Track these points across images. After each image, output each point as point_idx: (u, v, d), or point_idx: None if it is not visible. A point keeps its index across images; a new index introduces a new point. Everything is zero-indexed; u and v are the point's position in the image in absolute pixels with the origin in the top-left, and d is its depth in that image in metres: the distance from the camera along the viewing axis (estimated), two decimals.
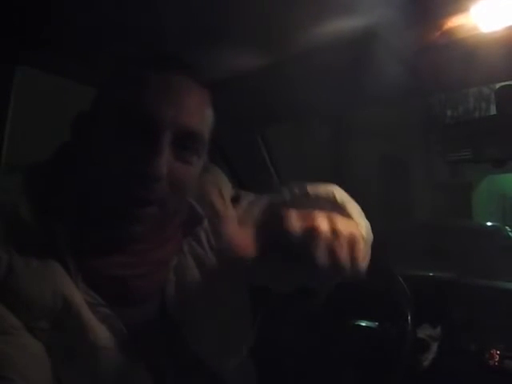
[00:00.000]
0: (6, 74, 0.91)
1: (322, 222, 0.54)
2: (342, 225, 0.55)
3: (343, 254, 0.53)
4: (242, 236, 0.62)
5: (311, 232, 0.53)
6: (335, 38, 0.85)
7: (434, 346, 0.99)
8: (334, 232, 0.54)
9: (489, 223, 4.54)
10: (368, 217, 0.74)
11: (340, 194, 0.73)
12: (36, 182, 0.69)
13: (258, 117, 1.30)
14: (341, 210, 0.67)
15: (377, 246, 0.74)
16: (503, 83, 1.19)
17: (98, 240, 0.68)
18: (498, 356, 1.13)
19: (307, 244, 0.53)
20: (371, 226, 0.76)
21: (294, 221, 0.53)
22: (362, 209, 0.97)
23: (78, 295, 0.64)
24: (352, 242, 0.54)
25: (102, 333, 0.65)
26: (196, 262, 0.77)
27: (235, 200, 0.86)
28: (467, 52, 0.87)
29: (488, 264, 2.39)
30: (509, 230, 3.90)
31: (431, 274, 1.10)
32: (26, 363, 0.60)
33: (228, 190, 0.86)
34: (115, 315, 0.67)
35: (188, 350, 0.73)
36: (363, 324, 1.09)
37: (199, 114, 0.69)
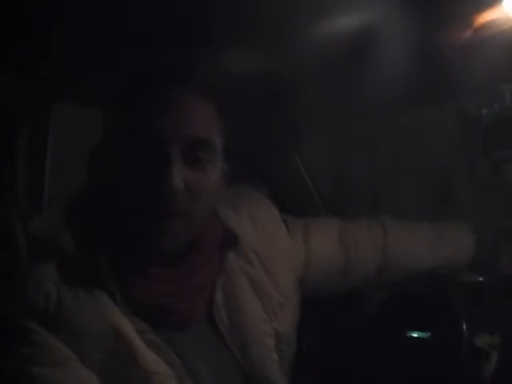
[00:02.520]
0: (44, 111, 0.94)
1: None
2: None
3: None
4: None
5: None
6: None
7: (495, 356, 0.93)
8: None
9: None
10: None
11: None
12: (76, 214, 0.72)
13: (292, 135, 1.29)
14: None
15: None
16: None
17: (137, 265, 0.68)
18: None
19: None
20: None
21: None
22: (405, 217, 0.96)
23: (125, 323, 0.65)
24: None
25: (152, 359, 0.65)
26: (248, 280, 0.78)
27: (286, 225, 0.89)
28: (502, 46, 0.84)
29: None
30: None
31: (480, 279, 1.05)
32: None
33: (276, 214, 0.89)
34: (163, 340, 0.67)
35: (240, 370, 0.73)
36: (414, 335, 1.05)
37: (204, 122, 0.69)
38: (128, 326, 0.65)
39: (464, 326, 0.96)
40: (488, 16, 0.78)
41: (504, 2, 0.75)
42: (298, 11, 0.75)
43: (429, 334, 1.02)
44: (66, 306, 0.63)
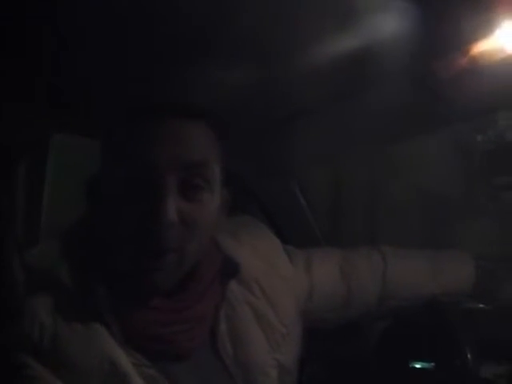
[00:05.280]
0: (42, 141, 0.94)
1: None
2: None
3: None
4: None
5: None
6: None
7: None
8: None
9: None
10: None
11: None
12: (73, 246, 0.71)
13: (290, 164, 1.29)
14: None
15: None
16: None
17: (134, 297, 0.67)
18: None
19: None
20: None
21: None
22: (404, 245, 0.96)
23: (123, 357, 0.64)
24: None
25: None
26: (252, 311, 0.77)
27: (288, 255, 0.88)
28: (495, 75, 0.86)
29: None
30: None
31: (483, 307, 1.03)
32: None
33: (277, 244, 0.88)
34: (161, 374, 0.65)
35: None
36: (417, 366, 1.03)
37: (201, 147, 0.68)
38: (125, 360, 0.63)
39: (469, 356, 0.94)
40: (482, 46, 0.80)
41: (497, 33, 0.76)
42: (299, 39, 0.76)
43: (432, 364, 1.00)
44: (62, 339, 0.62)
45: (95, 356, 0.62)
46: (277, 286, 0.81)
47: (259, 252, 0.83)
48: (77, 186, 0.73)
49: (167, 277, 0.67)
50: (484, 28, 0.75)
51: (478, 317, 1.02)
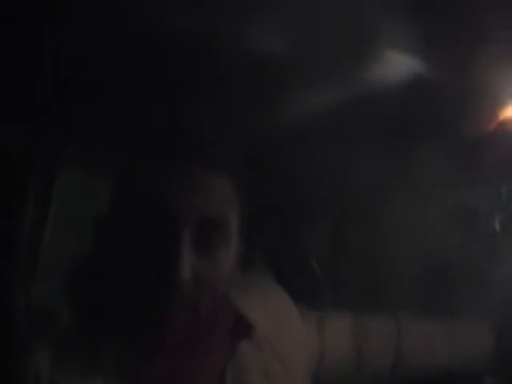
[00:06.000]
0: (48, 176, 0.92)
1: None
2: None
3: None
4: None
5: None
6: None
7: None
8: None
9: None
10: None
11: None
12: (76, 287, 0.67)
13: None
14: None
15: None
16: None
17: (138, 352, 0.63)
18: None
19: None
20: None
21: None
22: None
23: None
24: None
25: None
26: (261, 371, 0.72)
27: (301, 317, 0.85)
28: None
29: None
30: None
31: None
32: None
33: (290, 304, 0.84)
34: None
35: None
36: None
37: (221, 200, 0.62)
38: None
39: None
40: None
41: None
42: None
43: None
44: None
45: None
46: (288, 346, 0.77)
47: (272, 311, 0.79)
48: (82, 224, 0.70)
49: (176, 335, 0.62)
50: None
51: None
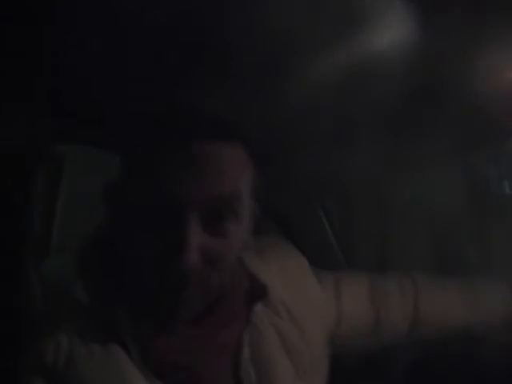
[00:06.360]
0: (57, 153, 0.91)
1: None
2: None
3: None
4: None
5: None
6: None
7: None
8: None
9: None
10: None
11: None
12: (89, 262, 0.66)
13: (317, 186, 1.24)
14: None
15: None
16: None
17: (153, 323, 0.62)
18: None
19: None
20: None
21: None
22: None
23: (142, 382, 0.59)
24: None
25: None
26: (277, 335, 0.71)
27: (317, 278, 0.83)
28: None
29: None
30: None
31: None
32: None
33: (306, 266, 0.83)
34: None
35: None
36: None
37: (233, 173, 0.60)
38: None
39: None
40: None
41: None
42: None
43: None
44: (78, 361, 0.57)
45: (112, 380, 0.57)
46: (305, 309, 0.76)
47: (287, 273, 0.78)
48: (92, 199, 0.68)
49: (189, 309, 0.62)
50: None
51: None
